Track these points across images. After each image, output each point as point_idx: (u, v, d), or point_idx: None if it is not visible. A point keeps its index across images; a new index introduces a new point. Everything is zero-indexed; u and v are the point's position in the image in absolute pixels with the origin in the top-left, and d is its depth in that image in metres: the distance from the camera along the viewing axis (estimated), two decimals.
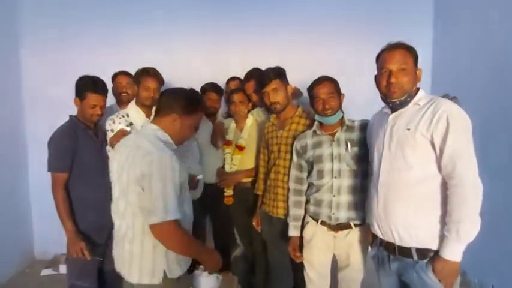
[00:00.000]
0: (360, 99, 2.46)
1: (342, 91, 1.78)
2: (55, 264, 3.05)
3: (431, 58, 3.16)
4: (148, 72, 2.08)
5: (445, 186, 1.28)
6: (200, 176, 2.07)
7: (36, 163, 3.12)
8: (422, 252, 1.31)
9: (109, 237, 1.82)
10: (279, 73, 1.98)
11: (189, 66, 3.12)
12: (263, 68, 2.16)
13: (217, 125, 2.53)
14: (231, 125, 2.51)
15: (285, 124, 2.02)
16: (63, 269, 2.88)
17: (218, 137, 2.47)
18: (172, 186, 1.27)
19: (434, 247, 1.29)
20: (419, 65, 1.43)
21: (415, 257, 1.32)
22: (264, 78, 1.97)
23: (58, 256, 3.14)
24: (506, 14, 2.26)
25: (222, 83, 2.83)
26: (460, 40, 2.82)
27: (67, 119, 1.99)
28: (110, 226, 1.73)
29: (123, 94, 2.46)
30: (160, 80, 2.12)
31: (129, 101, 2.21)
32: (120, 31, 3.17)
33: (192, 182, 1.95)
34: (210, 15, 3.20)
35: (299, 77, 2.29)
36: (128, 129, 1.97)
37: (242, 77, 2.54)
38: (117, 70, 2.56)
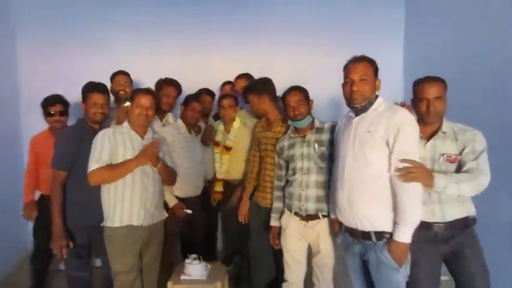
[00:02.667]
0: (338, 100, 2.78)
1: (322, 94, 2.08)
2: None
3: (403, 61, 3.48)
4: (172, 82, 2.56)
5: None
6: (189, 211, 2.43)
7: None
8: (379, 235, 1.60)
9: (101, 237, 2.06)
10: (257, 89, 2.34)
11: (176, 70, 3.36)
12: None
13: (207, 128, 2.83)
14: (220, 127, 2.81)
15: (271, 127, 2.35)
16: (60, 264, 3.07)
17: (207, 138, 2.75)
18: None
19: (389, 229, 1.58)
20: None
21: (374, 239, 1.61)
22: (248, 89, 2.37)
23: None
24: (475, 16, 2.57)
25: (206, 86, 3.09)
26: (430, 43, 3.14)
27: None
28: (97, 227, 2.04)
29: (121, 92, 2.72)
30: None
31: (127, 99, 2.47)
32: (113, 35, 3.43)
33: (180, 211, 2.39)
34: (197, 20, 3.51)
35: (283, 81, 2.51)
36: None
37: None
38: (110, 73, 2.81)
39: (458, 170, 1.68)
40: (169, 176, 2.20)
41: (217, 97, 3.03)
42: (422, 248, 1.65)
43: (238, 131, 2.73)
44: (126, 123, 2.12)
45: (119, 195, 1.98)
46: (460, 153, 1.67)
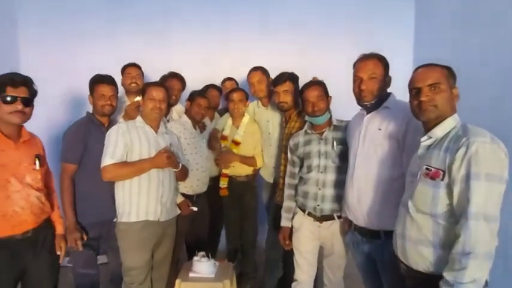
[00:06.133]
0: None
1: (331, 94, 2.11)
2: None
3: (413, 62, 3.56)
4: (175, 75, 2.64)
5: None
6: (195, 209, 2.50)
7: None
8: (388, 234, 1.63)
9: (109, 233, 2.15)
10: (292, 77, 2.38)
11: (184, 65, 3.39)
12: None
13: (212, 132, 2.88)
14: (228, 121, 2.86)
15: (287, 122, 2.44)
16: (65, 261, 3.17)
17: (212, 141, 2.81)
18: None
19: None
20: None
21: (383, 238, 1.67)
22: (278, 78, 2.38)
23: None
24: (485, 17, 2.61)
25: (214, 82, 3.17)
26: (440, 44, 3.20)
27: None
28: (106, 222, 2.11)
29: (133, 85, 2.79)
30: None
31: (138, 92, 2.53)
32: (118, 28, 3.50)
33: (186, 208, 2.44)
34: (206, 15, 3.59)
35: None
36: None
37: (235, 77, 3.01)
38: (116, 66, 2.85)
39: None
40: (182, 173, 2.27)
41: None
42: None
43: (248, 126, 2.78)
44: (139, 118, 2.18)
45: (135, 190, 2.05)
46: (447, 169, 1.25)
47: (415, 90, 1.38)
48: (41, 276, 1.81)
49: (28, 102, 1.71)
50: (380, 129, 1.67)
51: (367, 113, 1.76)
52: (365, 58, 1.73)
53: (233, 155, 2.73)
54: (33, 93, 1.75)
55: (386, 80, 1.73)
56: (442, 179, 1.24)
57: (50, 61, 3.43)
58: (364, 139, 1.73)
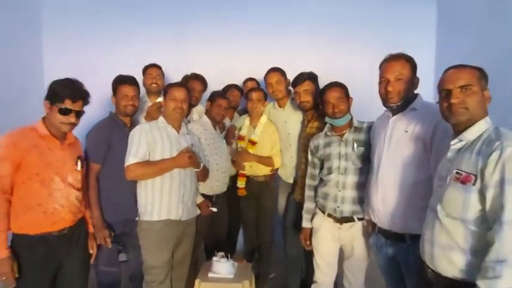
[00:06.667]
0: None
1: (351, 93, 2.10)
2: None
3: (435, 61, 3.51)
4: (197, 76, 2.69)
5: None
6: (214, 209, 2.50)
7: None
8: (414, 238, 1.62)
9: (131, 232, 2.19)
10: (311, 76, 2.39)
11: (201, 66, 3.43)
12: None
13: (230, 128, 2.91)
14: (245, 121, 2.87)
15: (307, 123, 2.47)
16: None
17: (229, 136, 2.84)
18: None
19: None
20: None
21: (408, 242, 1.65)
22: (297, 78, 2.39)
23: None
24: (507, 18, 2.56)
25: (233, 82, 3.19)
26: (463, 42, 3.15)
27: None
28: (128, 221, 2.15)
29: (153, 85, 2.84)
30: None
31: (158, 92, 2.57)
32: (139, 28, 3.56)
33: (205, 209, 2.43)
34: (222, 17, 3.61)
35: None
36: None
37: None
38: (135, 66, 2.87)
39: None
40: (203, 173, 2.29)
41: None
42: None
43: (265, 126, 2.79)
44: (161, 118, 2.21)
45: (157, 189, 2.08)
46: (479, 173, 1.21)
47: (445, 92, 1.34)
48: (74, 273, 1.87)
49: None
50: (407, 132, 1.66)
51: (393, 115, 1.75)
52: (392, 59, 1.70)
53: (249, 154, 2.74)
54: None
55: (413, 81, 1.71)
56: (474, 184, 1.22)
57: (72, 62, 3.46)
58: (389, 141, 1.72)
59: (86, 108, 1.87)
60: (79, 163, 1.89)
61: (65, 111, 1.74)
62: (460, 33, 3.23)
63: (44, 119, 1.80)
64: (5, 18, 3.01)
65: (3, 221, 1.63)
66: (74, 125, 1.81)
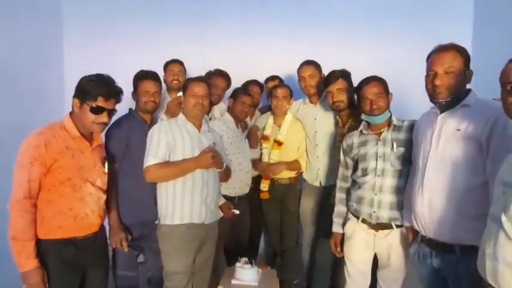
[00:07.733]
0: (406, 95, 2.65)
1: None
2: None
3: (472, 53, 3.28)
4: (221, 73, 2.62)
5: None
6: (236, 212, 2.36)
7: None
8: (464, 249, 1.47)
9: (149, 234, 2.10)
10: (344, 74, 2.26)
11: (222, 63, 3.36)
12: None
13: (252, 128, 2.79)
14: (269, 120, 2.75)
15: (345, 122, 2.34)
16: None
17: (252, 138, 2.72)
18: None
19: (476, 243, 1.39)
20: None
21: (458, 253, 1.49)
22: (329, 77, 2.26)
23: None
24: None
25: (256, 79, 3.06)
26: (500, 34, 2.98)
27: None
28: (147, 223, 2.05)
29: (175, 81, 2.76)
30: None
31: (179, 89, 2.48)
32: (161, 26, 3.51)
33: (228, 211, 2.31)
34: (248, 10, 3.52)
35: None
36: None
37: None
38: (157, 64, 2.78)
39: None
40: (225, 174, 2.19)
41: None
42: None
43: (291, 125, 2.66)
44: (181, 115, 2.11)
45: (179, 191, 1.98)
46: None
47: (510, 85, 1.18)
48: (99, 276, 1.82)
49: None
50: (459, 130, 1.49)
51: (441, 112, 1.58)
52: (441, 49, 1.54)
53: (280, 165, 2.62)
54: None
55: (465, 75, 1.55)
56: None
57: (92, 61, 3.44)
58: (437, 140, 1.56)
59: None
60: (106, 165, 1.82)
61: (97, 110, 1.62)
62: (498, 25, 3.05)
63: (71, 115, 1.68)
64: (26, 19, 2.99)
65: (31, 229, 1.52)
66: (105, 124, 1.70)
